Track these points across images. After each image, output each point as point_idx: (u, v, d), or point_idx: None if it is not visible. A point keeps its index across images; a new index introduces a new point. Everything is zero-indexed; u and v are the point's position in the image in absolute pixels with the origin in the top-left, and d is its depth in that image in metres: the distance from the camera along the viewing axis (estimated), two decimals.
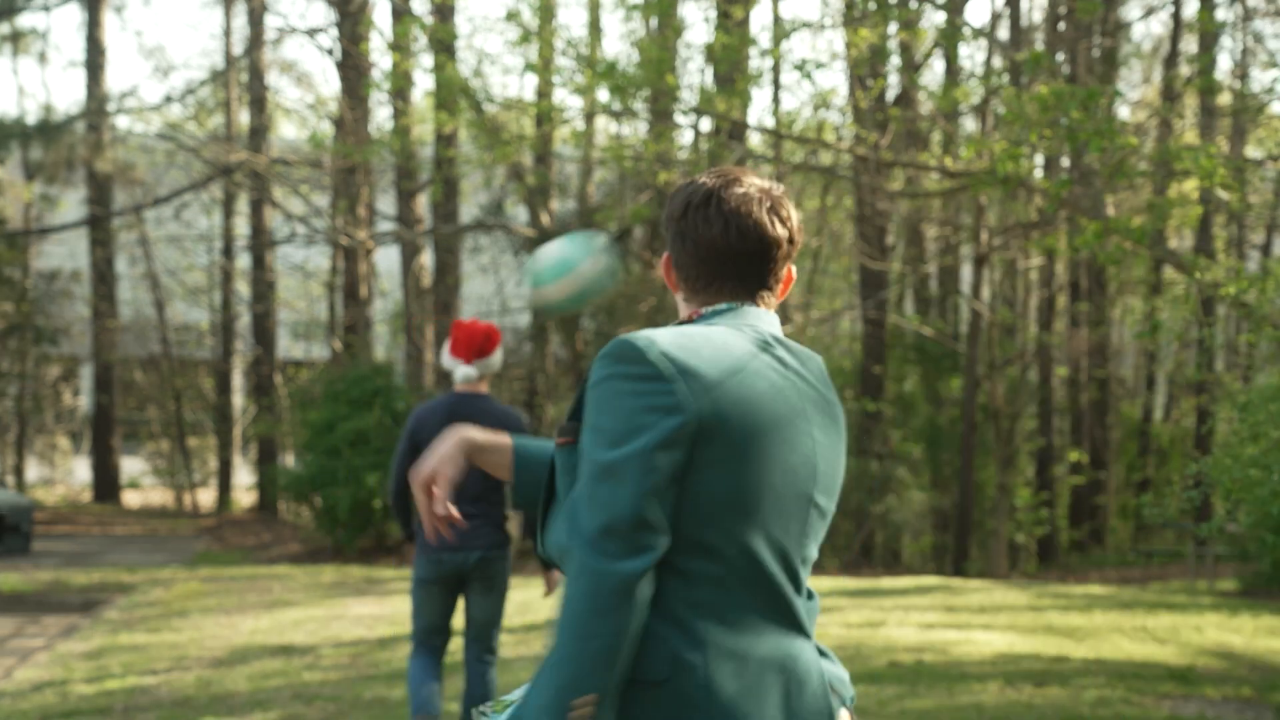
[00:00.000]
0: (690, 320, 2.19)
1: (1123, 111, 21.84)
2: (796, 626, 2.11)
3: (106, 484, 24.98)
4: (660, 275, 2.47)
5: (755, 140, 18.27)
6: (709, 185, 2.18)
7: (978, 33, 13.30)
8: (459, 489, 5.54)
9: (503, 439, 2.31)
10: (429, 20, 16.55)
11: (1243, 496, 9.23)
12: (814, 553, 2.15)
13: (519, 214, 19.88)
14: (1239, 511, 9.58)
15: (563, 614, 1.98)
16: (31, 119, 24.16)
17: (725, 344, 2.08)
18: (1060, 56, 14.53)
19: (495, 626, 5.84)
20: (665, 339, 2.07)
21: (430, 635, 5.80)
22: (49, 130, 23.21)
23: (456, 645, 7.09)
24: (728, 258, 2.16)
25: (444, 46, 15.11)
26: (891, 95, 17.23)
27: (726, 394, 2.03)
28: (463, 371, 5.76)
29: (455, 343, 5.76)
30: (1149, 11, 19.52)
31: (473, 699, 5.81)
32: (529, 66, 13.12)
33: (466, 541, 5.66)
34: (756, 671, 2.04)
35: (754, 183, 2.18)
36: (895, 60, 15.86)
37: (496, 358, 5.84)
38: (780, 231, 2.17)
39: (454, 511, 2.23)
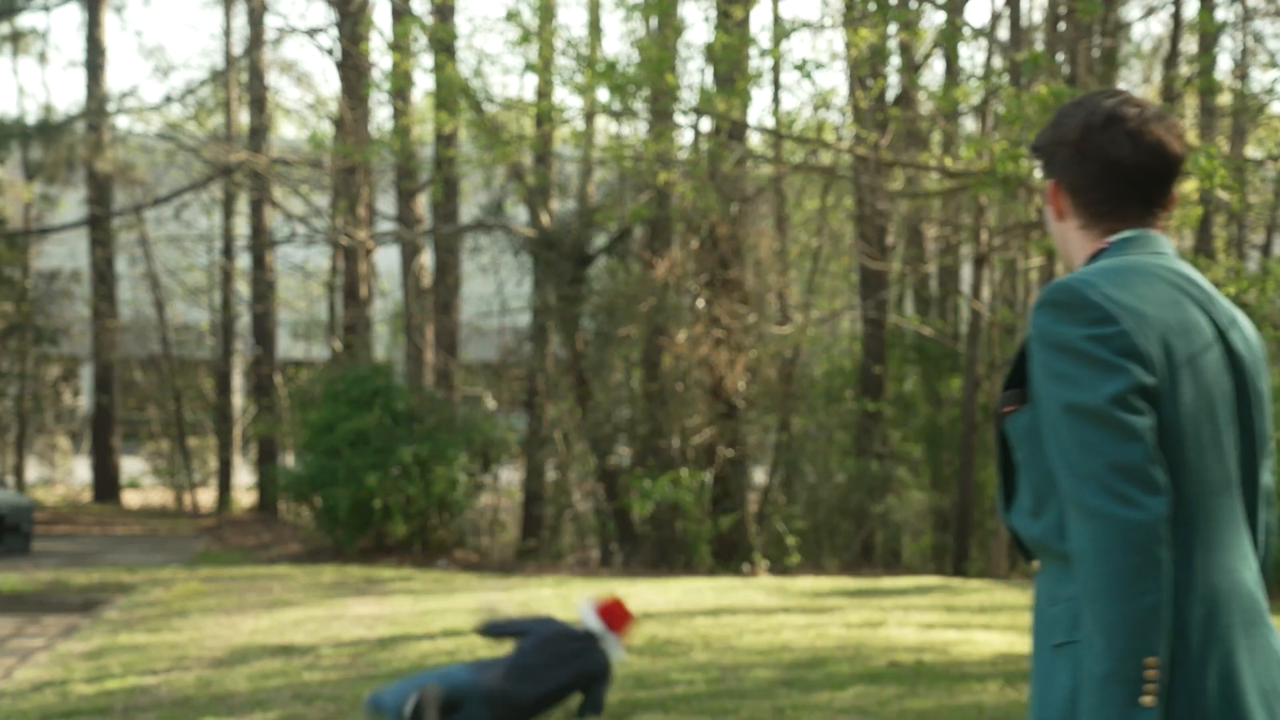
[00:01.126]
0: (1099, 252, 2.15)
1: None
2: (1247, 561, 2.04)
3: (106, 484, 24.97)
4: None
5: (755, 140, 18.27)
6: (1107, 105, 2.14)
7: (977, 33, 13.31)
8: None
9: None
10: (429, 20, 16.54)
11: None
12: (1263, 473, 2.11)
13: (519, 214, 19.88)
14: None
15: (1094, 571, 1.89)
16: (31, 119, 24.17)
17: (1152, 278, 2.06)
18: (1060, 57, 14.53)
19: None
20: (1103, 280, 2.04)
21: None
22: (49, 130, 23.21)
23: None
24: (1135, 178, 2.12)
25: (444, 46, 15.11)
26: (891, 95, 17.23)
27: (1169, 329, 2.01)
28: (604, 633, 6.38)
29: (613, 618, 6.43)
30: (1149, 11, 19.52)
31: None
32: (529, 66, 13.13)
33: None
34: (1220, 612, 1.98)
35: (1145, 102, 2.16)
36: (895, 60, 15.85)
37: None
38: (1180, 149, 2.14)
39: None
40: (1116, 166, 2.11)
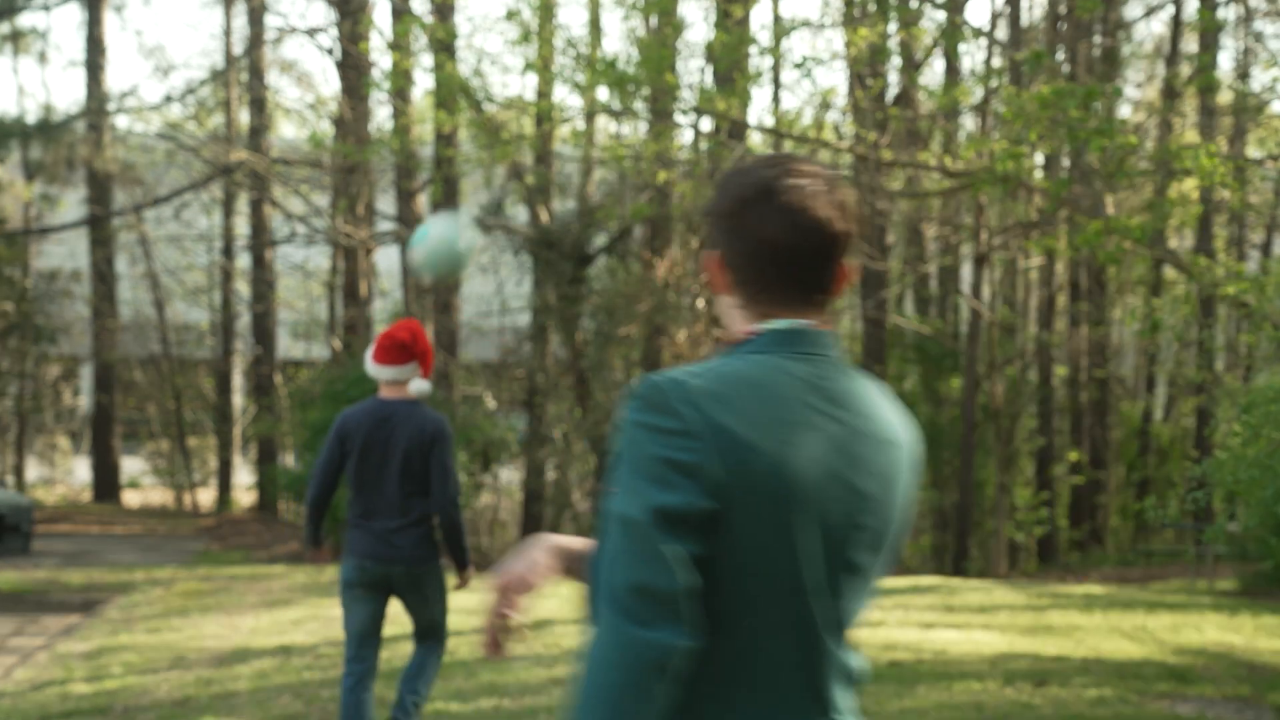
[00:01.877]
0: (741, 343, 1.97)
1: (1123, 111, 21.83)
2: (825, 709, 1.92)
3: (106, 484, 24.98)
4: (704, 275, 2.08)
5: (755, 140, 18.26)
6: (763, 177, 1.95)
7: (977, 32, 13.30)
8: (386, 500, 5.64)
9: (586, 546, 2.07)
10: (429, 20, 16.55)
11: (1245, 498, 9.23)
12: (853, 614, 1.95)
13: (519, 214, 19.88)
14: (1241, 512, 9.58)
15: (591, 682, 1.78)
16: (31, 119, 24.18)
17: (770, 390, 1.87)
18: (1060, 56, 14.53)
19: (439, 628, 5.86)
20: (698, 385, 1.85)
21: (361, 644, 5.69)
22: (49, 130, 23.22)
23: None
24: (789, 259, 1.93)
25: (444, 46, 15.11)
26: (891, 95, 17.23)
27: (757, 455, 1.83)
28: (386, 375, 5.68)
29: (378, 349, 5.69)
30: (1149, 11, 19.52)
31: (408, 672, 5.84)
32: (529, 65, 13.13)
33: (390, 554, 5.61)
34: None
35: (811, 171, 1.96)
36: (895, 59, 15.86)
37: (415, 368, 5.74)
38: (844, 226, 1.95)
39: (522, 625, 2.03)
40: (767, 246, 1.92)
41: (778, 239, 1.92)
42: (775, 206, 1.92)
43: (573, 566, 2.05)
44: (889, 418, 1.96)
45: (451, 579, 5.89)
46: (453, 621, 6.23)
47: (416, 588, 5.69)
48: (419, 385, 5.72)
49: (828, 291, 1.97)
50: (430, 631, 5.85)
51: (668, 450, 1.81)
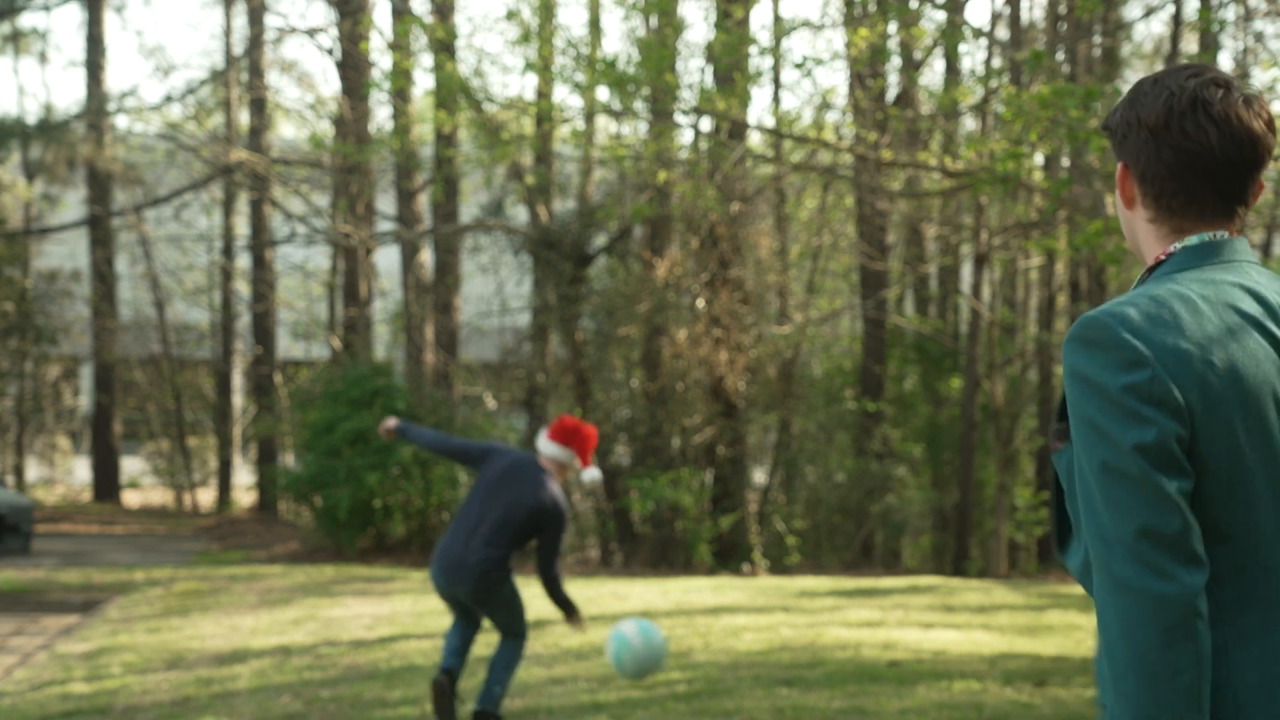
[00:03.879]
0: (1157, 265, 1.95)
1: None
2: None
3: (106, 484, 24.98)
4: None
5: (755, 140, 18.27)
6: (1191, 86, 1.91)
7: (977, 32, 13.30)
8: (475, 532, 6.22)
9: None
10: (429, 20, 16.55)
11: None
12: None
13: (519, 214, 19.88)
14: None
15: (1118, 646, 1.76)
16: (32, 119, 24.18)
17: (1203, 305, 1.85)
18: (1060, 56, 14.53)
19: (515, 628, 6.41)
20: (1140, 314, 1.84)
21: (462, 621, 6.48)
22: (49, 130, 23.22)
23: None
24: (1216, 171, 1.90)
25: (444, 45, 15.12)
26: (891, 95, 17.23)
27: (1213, 370, 1.81)
28: (551, 451, 6.39)
29: (555, 431, 6.44)
30: (1149, 11, 19.51)
31: (495, 663, 6.38)
32: (529, 65, 13.13)
33: (455, 576, 6.24)
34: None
35: (1231, 80, 1.94)
36: (895, 60, 15.86)
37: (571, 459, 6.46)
38: (1269, 136, 1.92)
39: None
40: (1197, 158, 1.90)
41: (1208, 150, 1.90)
42: (1208, 116, 1.90)
43: None
44: None
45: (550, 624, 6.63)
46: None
47: (483, 602, 6.26)
48: (592, 474, 6.43)
49: (1246, 203, 1.95)
50: (509, 631, 6.41)
51: (1130, 383, 1.80)
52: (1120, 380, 1.80)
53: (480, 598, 6.19)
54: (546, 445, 6.37)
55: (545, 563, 6.29)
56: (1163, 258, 1.95)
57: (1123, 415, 1.79)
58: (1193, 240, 1.93)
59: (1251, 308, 1.89)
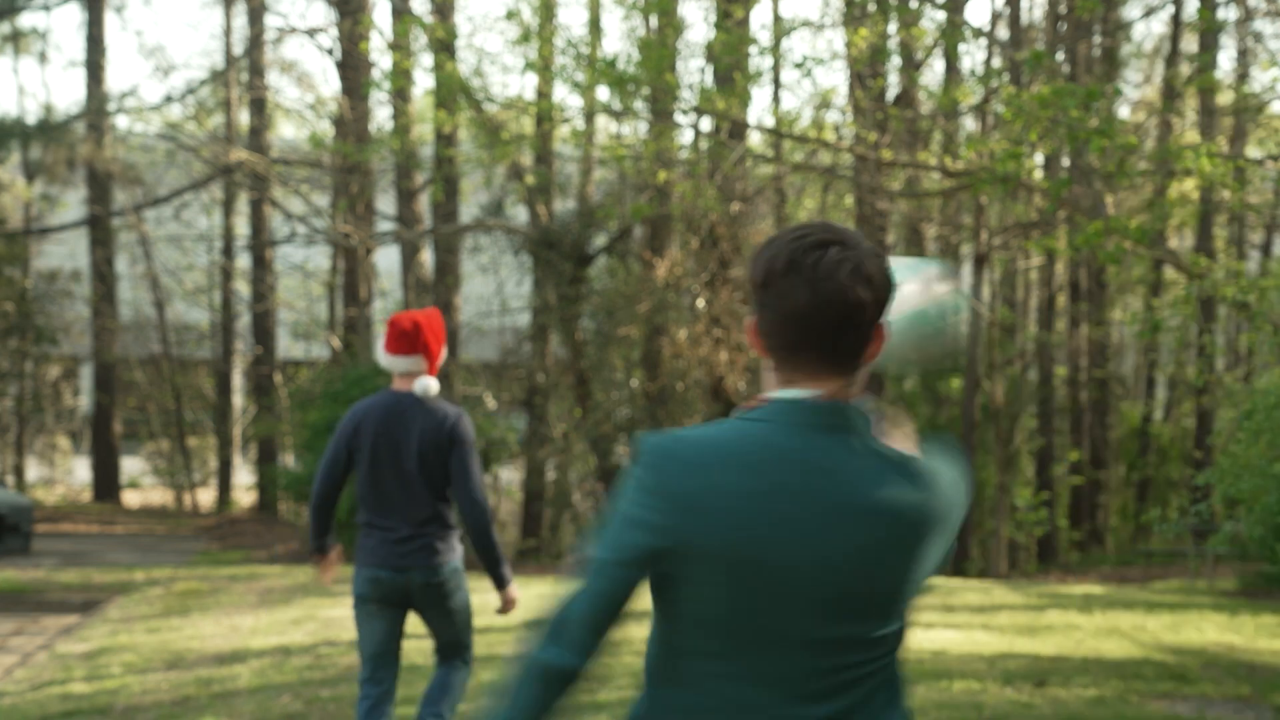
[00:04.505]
0: (750, 408, 2.08)
1: (1122, 111, 21.84)
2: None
3: (106, 484, 24.98)
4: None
5: (755, 140, 18.26)
6: (790, 249, 2.03)
7: (977, 32, 13.30)
8: (400, 503, 5.12)
9: None
10: (429, 20, 16.55)
11: (1249, 503, 9.23)
12: (835, 668, 2.04)
13: (519, 214, 19.89)
14: (1245, 519, 9.58)
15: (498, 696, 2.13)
16: (32, 119, 24.18)
17: (747, 459, 2.00)
18: (1060, 56, 14.53)
19: (464, 643, 5.31)
20: (680, 451, 2.02)
21: (377, 665, 5.20)
22: (49, 130, 23.22)
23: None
24: (812, 327, 2.01)
25: (444, 45, 15.12)
26: (891, 95, 17.23)
27: (711, 519, 1.98)
28: (397, 365, 5.19)
29: (389, 338, 5.21)
30: (1149, 11, 19.52)
31: (430, 693, 5.29)
32: (529, 65, 13.13)
33: (405, 562, 5.09)
34: None
35: (838, 241, 2.02)
36: (895, 59, 15.86)
37: (422, 361, 5.25)
38: (867, 295, 2.00)
39: None
40: (793, 316, 2.01)
41: (800, 309, 2.00)
42: (801, 279, 2.00)
43: None
44: (881, 488, 2.01)
45: (478, 598, 5.37)
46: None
47: (436, 600, 5.14)
48: (424, 384, 5.17)
49: (855, 359, 2.04)
50: (454, 649, 5.29)
51: (635, 506, 2.02)
52: (627, 498, 2.04)
53: (432, 594, 5.21)
54: (394, 361, 5.20)
55: (462, 486, 5.17)
56: (758, 404, 2.08)
57: (610, 529, 2.04)
58: (788, 395, 2.05)
59: (799, 478, 2.00)
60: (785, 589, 2.01)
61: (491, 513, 5.26)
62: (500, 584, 5.20)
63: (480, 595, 5.64)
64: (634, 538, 2.02)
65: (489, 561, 5.17)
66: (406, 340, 5.17)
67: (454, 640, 5.27)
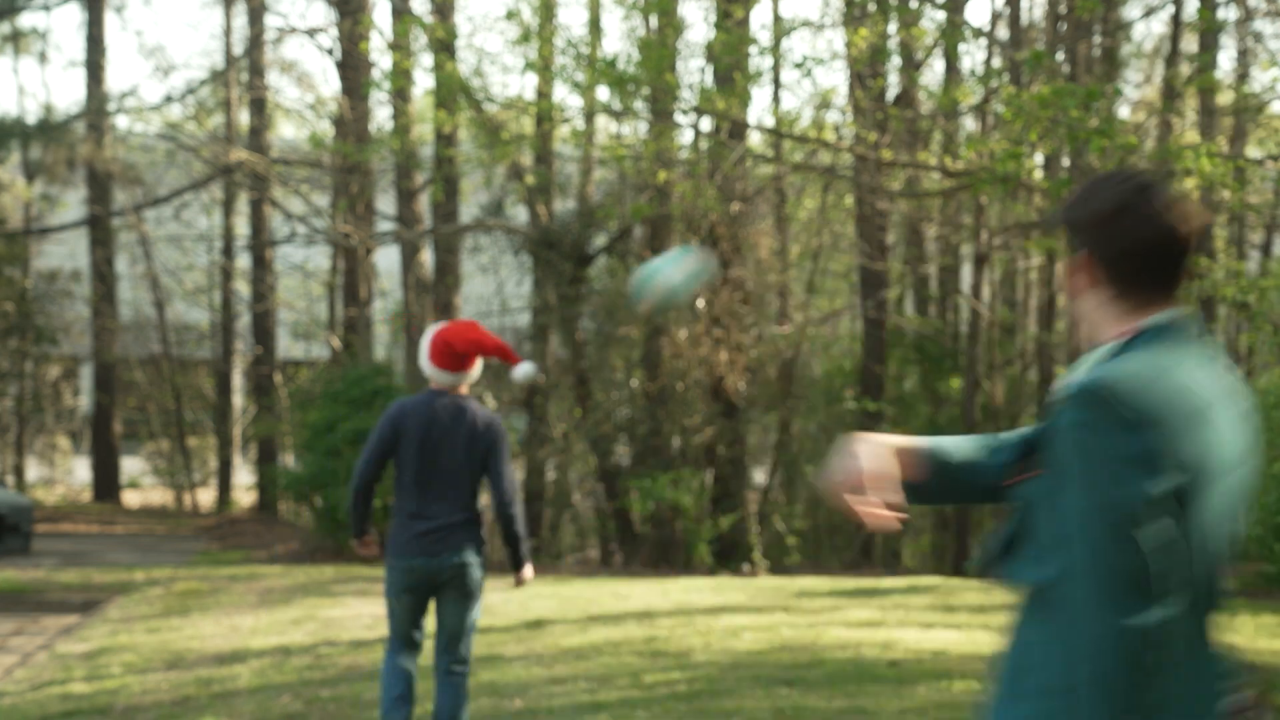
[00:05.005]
0: (1131, 339, 2.22)
1: (1122, 111, 21.83)
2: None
3: (106, 484, 24.98)
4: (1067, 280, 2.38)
5: (755, 139, 18.26)
6: (1139, 183, 2.25)
7: (977, 32, 13.30)
8: (442, 502, 5.58)
9: (915, 441, 2.43)
10: (429, 20, 16.55)
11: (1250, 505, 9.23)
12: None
13: (519, 214, 19.89)
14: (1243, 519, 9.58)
15: (1085, 670, 2.04)
16: (32, 119, 24.18)
17: (1188, 381, 2.14)
18: (1060, 56, 14.53)
19: (466, 635, 5.74)
20: (1135, 382, 2.10)
21: (406, 640, 5.74)
22: (49, 130, 23.22)
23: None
24: (1162, 258, 2.23)
25: (444, 45, 15.12)
26: (891, 95, 17.23)
27: (1197, 440, 2.09)
28: (443, 379, 5.68)
29: (439, 354, 5.64)
30: (1149, 11, 19.52)
31: (441, 714, 5.69)
32: (529, 65, 13.13)
33: (441, 548, 5.57)
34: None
35: (1165, 183, 2.26)
36: (895, 59, 15.85)
37: (477, 369, 5.78)
38: (1197, 228, 2.24)
39: (893, 511, 2.30)
40: (1145, 246, 2.21)
41: (1155, 240, 2.21)
42: (1151, 211, 2.21)
43: (909, 462, 2.38)
44: (1239, 389, 2.25)
45: (491, 579, 5.92)
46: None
47: (458, 584, 5.61)
48: (525, 370, 5.72)
49: (1181, 285, 2.26)
50: (457, 638, 5.70)
51: (1124, 444, 2.05)
52: (1119, 442, 2.05)
53: (459, 579, 5.72)
54: (440, 375, 5.68)
55: (498, 484, 5.70)
56: (1136, 331, 2.24)
57: (1118, 477, 2.04)
58: (1159, 319, 2.23)
59: (1215, 382, 2.19)
60: (1235, 493, 2.18)
61: (522, 507, 5.83)
62: (518, 565, 5.75)
63: (485, 596, 5.75)
64: (1153, 479, 2.04)
65: (513, 544, 5.71)
66: (456, 360, 5.65)
67: (462, 627, 5.69)
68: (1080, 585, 2.04)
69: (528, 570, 5.78)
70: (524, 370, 5.70)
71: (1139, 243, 2.22)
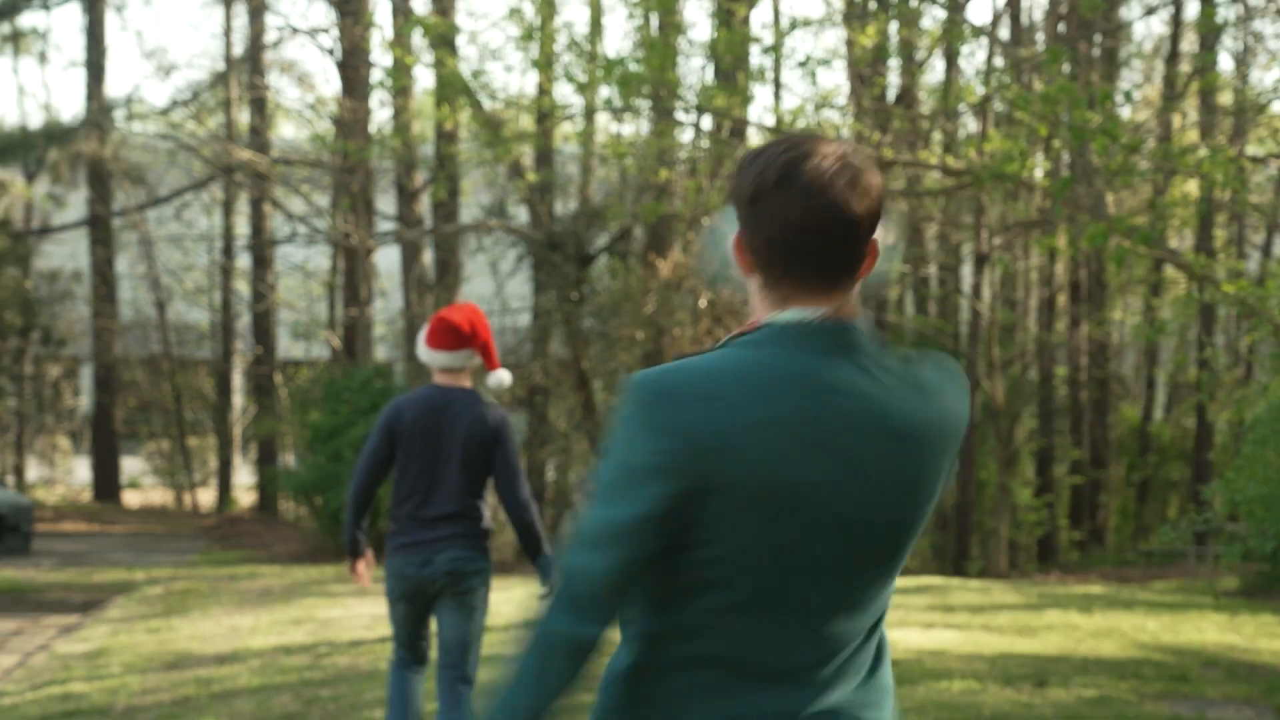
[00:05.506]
0: (743, 334, 1.95)
1: (1123, 111, 21.81)
2: (810, 683, 1.93)
3: (107, 484, 24.98)
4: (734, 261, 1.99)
5: (756, 139, 18.25)
6: (784, 159, 1.89)
7: (978, 31, 13.30)
8: (440, 499, 5.15)
9: None
10: (430, 18, 16.55)
11: (1262, 515, 9.22)
12: (860, 608, 1.93)
13: (520, 214, 19.88)
14: (1250, 533, 9.57)
15: (523, 678, 2.01)
16: (33, 120, 24.21)
17: (755, 385, 1.86)
18: (1050, 60, 14.53)
19: (470, 650, 5.24)
20: (683, 383, 1.85)
21: (411, 646, 5.35)
22: (55, 136, 23.23)
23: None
24: (805, 244, 1.88)
25: (445, 43, 15.12)
26: (892, 94, 17.23)
27: (731, 452, 1.83)
28: (440, 360, 5.21)
29: (436, 333, 5.21)
30: (1149, 11, 19.51)
31: None
32: (533, 63, 13.13)
33: (438, 556, 5.12)
34: None
35: (831, 151, 1.90)
36: (896, 59, 15.86)
37: (471, 355, 5.28)
38: (864, 207, 1.89)
39: None
40: (785, 230, 1.87)
41: (794, 223, 1.87)
42: (793, 190, 1.87)
43: None
44: (902, 407, 1.90)
45: (510, 586, 5.40)
46: None
47: (459, 593, 5.15)
48: (499, 377, 5.26)
49: (850, 275, 1.93)
50: (462, 650, 5.22)
51: (644, 452, 1.85)
52: (633, 443, 1.86)
53: (459, 587, 5.30)
54: (437, 356, 5.23)
55: (509, 483, 5.32)
56: (752, 329, 1.95)
57: (622, 483, 1.87)
58: (787, 316, 1.92)
59: (811, 399, 1.86)
60: (821, 523, 1.87)
61: (537, 506, 5.38)
62: (546, 572, 5.24)
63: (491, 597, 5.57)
64: (651, 487, 1.84)
65: (533, 548, 5.23)
66: (458, 337, 5.17)
67: (462, 640, 5.22)
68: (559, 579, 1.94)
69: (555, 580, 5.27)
70: (498, 378, 5.29)
71: (780, 229, 1.88)
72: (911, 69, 16.38)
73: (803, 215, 1.87)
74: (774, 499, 1.84)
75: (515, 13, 12.77)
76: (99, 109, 23.54)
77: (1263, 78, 20.14)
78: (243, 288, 25.33)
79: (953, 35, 13.34)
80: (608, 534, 1.88)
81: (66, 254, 26.15)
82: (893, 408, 1.90)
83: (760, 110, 32.82)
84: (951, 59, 18.42)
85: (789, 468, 1.84)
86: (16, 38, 25.66)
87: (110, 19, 38.99)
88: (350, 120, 19.53)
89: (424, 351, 5.26)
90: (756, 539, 1.85)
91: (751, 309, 2.00)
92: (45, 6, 24.00)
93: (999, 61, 16.40)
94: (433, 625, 5.37)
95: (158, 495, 26.66)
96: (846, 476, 1.87)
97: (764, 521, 1.85)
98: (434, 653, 5.51)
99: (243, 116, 23.89)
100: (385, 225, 21.11)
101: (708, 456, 1.83)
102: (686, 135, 17.31)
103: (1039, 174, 13.68)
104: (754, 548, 1.86)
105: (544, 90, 16.38)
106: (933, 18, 14.70)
